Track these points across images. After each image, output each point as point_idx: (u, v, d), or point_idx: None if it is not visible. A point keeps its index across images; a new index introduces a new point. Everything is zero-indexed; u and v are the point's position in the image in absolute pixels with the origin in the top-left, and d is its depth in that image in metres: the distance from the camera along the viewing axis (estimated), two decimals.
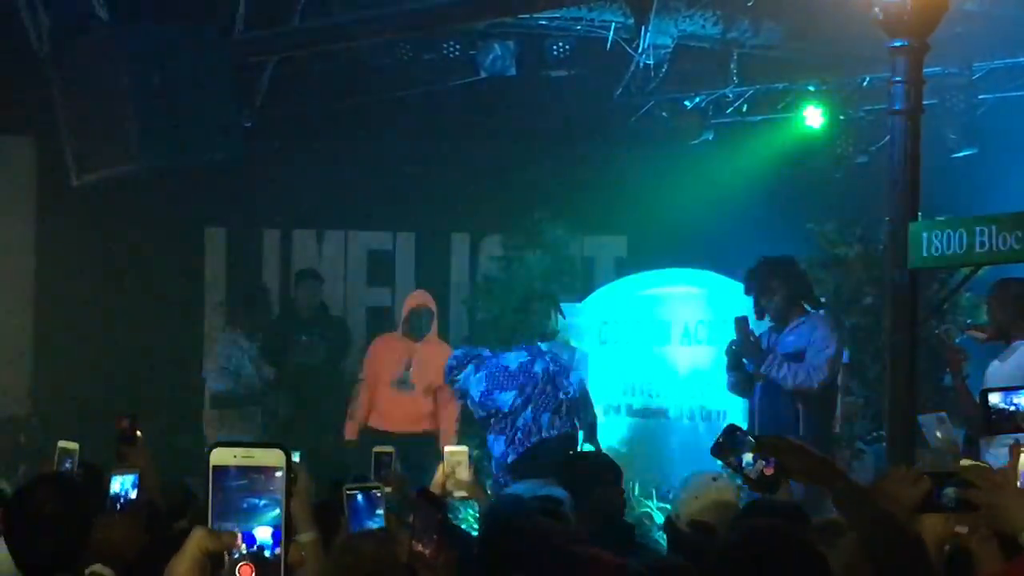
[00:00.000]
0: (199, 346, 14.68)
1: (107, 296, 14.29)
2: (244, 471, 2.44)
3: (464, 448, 6.74)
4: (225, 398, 12.29)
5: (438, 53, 13.41)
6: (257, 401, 12.35)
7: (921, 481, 4.26)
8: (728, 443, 4.51)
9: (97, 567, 4.49)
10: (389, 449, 6.97)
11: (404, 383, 11.89)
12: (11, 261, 14.64)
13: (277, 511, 2.45)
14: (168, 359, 13.93)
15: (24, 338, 14.69)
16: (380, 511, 4.53)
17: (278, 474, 2.44)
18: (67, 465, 6.27)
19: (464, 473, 6.53)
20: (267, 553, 2.44)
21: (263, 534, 2.44)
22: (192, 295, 14.97)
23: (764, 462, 4.38)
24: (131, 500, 5.69)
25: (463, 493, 6.57)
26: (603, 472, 7.22)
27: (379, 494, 4.55)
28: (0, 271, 14.57)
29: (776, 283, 10.16)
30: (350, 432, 12.08)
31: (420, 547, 4.14)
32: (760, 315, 10.40)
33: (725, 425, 4.61)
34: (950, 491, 4.26)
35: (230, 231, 15.33)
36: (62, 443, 6.33)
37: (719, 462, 4.63)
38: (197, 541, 2.40)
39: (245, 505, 2.44)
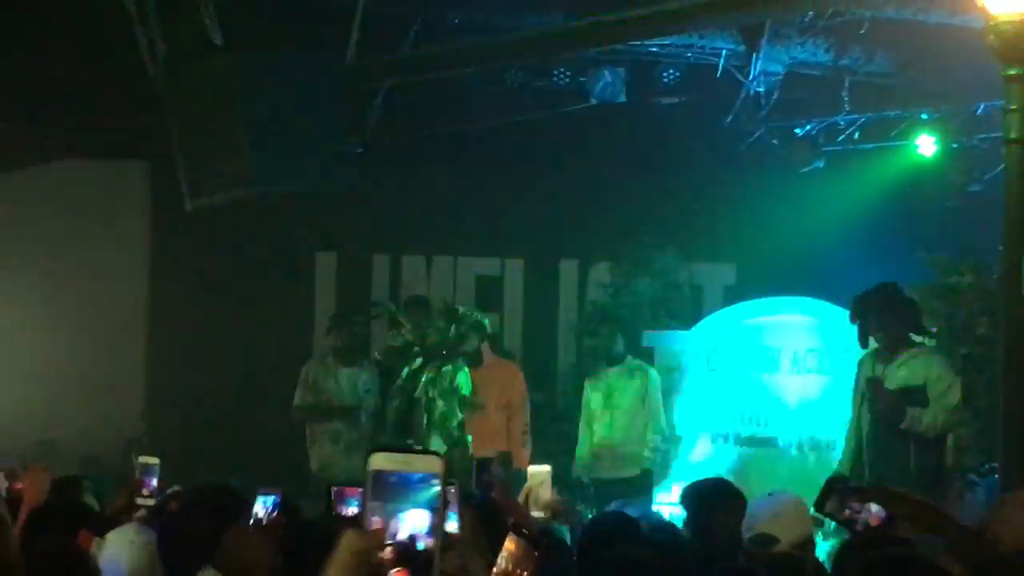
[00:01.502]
0: None
1: (219, 319, 14.44)
2: (401, 476, 2.47)
3: (547, 468, 6.70)
4: (302, 410, 12.33)
5: (548, 80, 13.43)
6: (342, 418, 12.30)
7: None
8: (833, 497, 4.46)
9: (210, 572, 4.51)
10: (490, 455, 7.00)
11: (474, 406, 11.91)
12: (125, 284, 14.85)
13: (430, 514, 2.46)
14: (278, 382, 14.02)
15: (137, 359, 14.89)
16: (453, 506, 4.56)
17: (434, 480, 2.46)
18: (151, 480, 6.39)
19: (546, 493, 6.51)
20: (420, 549, 2.46)
21: (416, 537, 2.46)
22: (303, 319, 15.07)
23: (871, 513, 4.33)
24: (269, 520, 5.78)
25: (546, 513, 6.55)
26: (729, 498, 7.18)
27: (452, 491, 4.58)
28: (114, 293, 14.78)
29: (885, 314, 10.04)
30: None
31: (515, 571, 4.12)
32: (864, 343, 10.28)
33: (826, 479, 4.57)
34: None
35: (340, 256, 15.44)
36: (142, 458, 6.47)
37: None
38: (347, 542, 2.42)
39: (399, 509, 2.46)
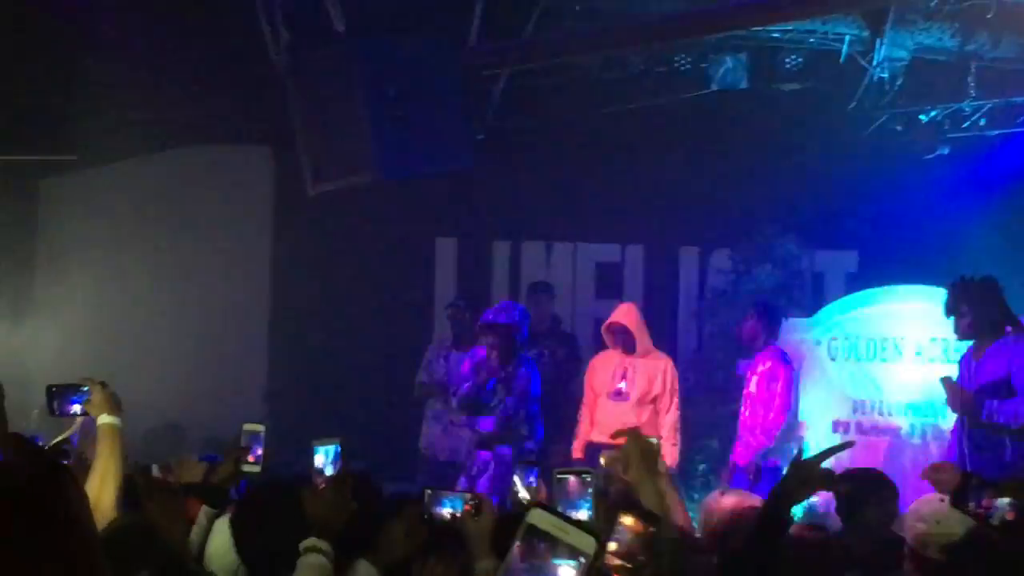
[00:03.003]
0: None
1: (340, 304, 14.56)
2: (550, 540, 2.45)
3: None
4: (422, 388, 12.70)
5: (669, 66, 13.39)
6: (439, 396, 12.61)
7: None
8: (966, 491, 4.41)
9: (311, 540, 4.57)
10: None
11: (619, 394, 11.87)
12: (248, 269, 15.01)
13: None
14: (398, 368, 14.10)
15: (260, 344, 15.04)
16: (589, 494, 4.57)
17: (580, 559, 2.44)
18: (255, 447, 6.39)
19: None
20: None
21: None
22: (423, 305, 15.16)
23: (1008, 507, 4.28)
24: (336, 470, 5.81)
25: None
26: (881, 488, 7.12)
27: (588, 479, 4.58)
28: (238, 279, 14.94)
29: (965, 306, 9.92)
30: (576, 450, 12.10)
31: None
32: (959, 334, 10.18)
33: (961, 474, 4.52)
34: None
35: (460, 241, 15.50)
36: (248, 425, 6.44)
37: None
38: None
39: (533, 569, 2.45)
